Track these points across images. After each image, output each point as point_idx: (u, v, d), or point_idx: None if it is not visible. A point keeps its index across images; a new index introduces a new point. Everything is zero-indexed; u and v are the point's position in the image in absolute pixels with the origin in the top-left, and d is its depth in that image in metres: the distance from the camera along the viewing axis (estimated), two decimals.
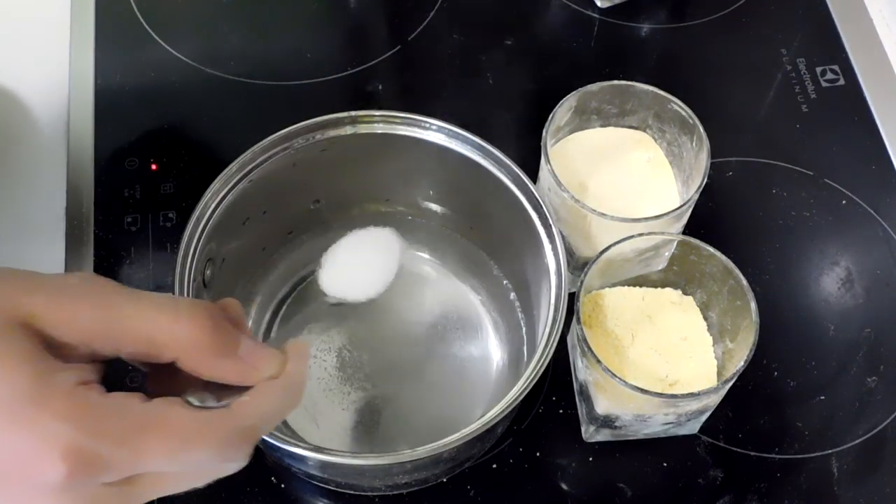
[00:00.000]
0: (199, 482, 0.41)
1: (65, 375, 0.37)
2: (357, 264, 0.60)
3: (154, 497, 0.39)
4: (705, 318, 0.61)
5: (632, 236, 0.58)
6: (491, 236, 0.65)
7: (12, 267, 0.39)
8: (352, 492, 0.61)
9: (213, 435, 0.38)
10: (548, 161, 0.60)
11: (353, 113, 0.60)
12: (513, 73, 0.78)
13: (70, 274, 0.39)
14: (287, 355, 0.42)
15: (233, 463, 0.40)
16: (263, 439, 0.51)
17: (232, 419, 0.39)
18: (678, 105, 0.62)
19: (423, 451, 0.51)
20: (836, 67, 0.78)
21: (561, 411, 0.64)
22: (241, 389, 0.41)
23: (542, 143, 0.61)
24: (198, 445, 0.38)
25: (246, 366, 0.41)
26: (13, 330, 0.37)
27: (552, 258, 0.57)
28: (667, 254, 0.60)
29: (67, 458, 0.36)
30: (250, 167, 0.59)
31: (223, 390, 0.41)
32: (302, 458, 0.56)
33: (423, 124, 0.61)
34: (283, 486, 0.61)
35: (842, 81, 0.77)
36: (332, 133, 0.61)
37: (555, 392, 0.64)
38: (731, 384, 0.56)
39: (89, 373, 0.38)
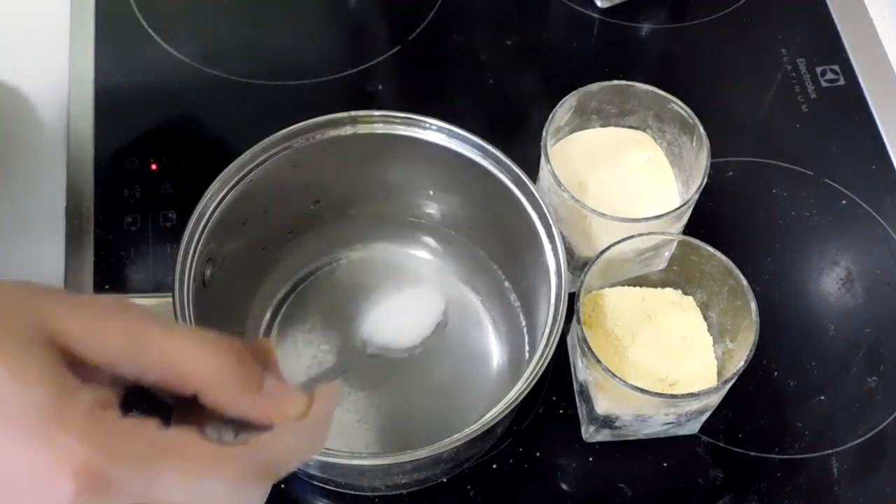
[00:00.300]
0: None
1: (85, 394, 0.37)
2: (401, 317, 0.60)
3: None
4: (705, 318, 0.61)
5: (632, 236, 0.58)
6: (491, 236, 0.65)
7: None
8: (352, 492, 0.61)
9: (231, 468, 0.38)
10: (548, 161, 0.60)
11: (353, 113, 0.60)
12: (513, 73, 0.78)
13: (101, 296, 0.39)
14: (314, 397, 0.42)
15: (248, 501, 0.39)
16: None
17: (251, 454, 0.39)
18: (678, 105, 0.62)
19: (423, 451, 0.51)
20: (836, 67, 0.78)
21: (561, 411, 0.64)
22: (262, 430, 0.40)
23: (542, 143, 0.61)
24: (213, 477, 0.38)
25: (269, 404, 0.40)
26: (38, 345, 0.37)
27: (552, 258, 0.57)
28: (667, 254, 0.60)
29: (79, 477, 0.35)
30: (250, 167, 0.59)
31: (244, 428, 0.40)
32: None
33: (423, 124, 0.61)
34: (282, 486, 0.61)
35: (842, 81, 0.77)
36: (332, 133, 0.61)
37: (555, 392, 0.64)
38: (731, 384, 0.56)
39: (110, 395, 0.38)
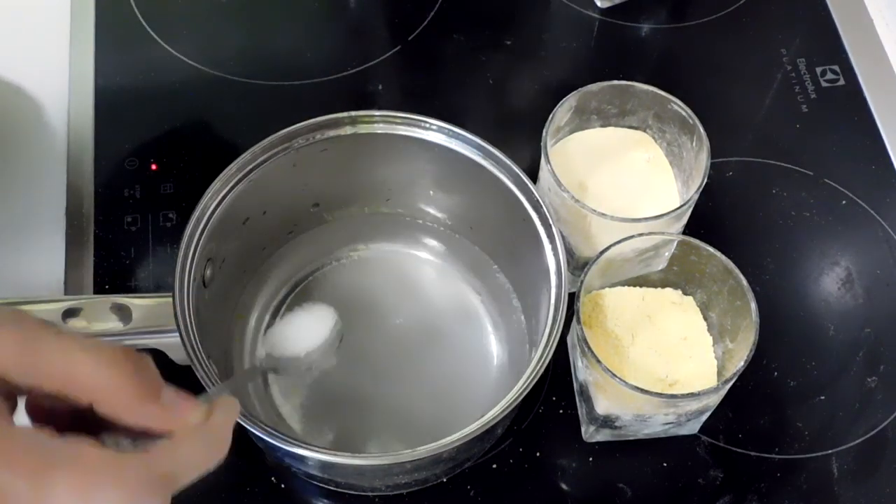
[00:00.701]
0: None
1: None
2: (290, 330, 0.60)
3: None
4: (705, 318, 0.61)
5: (632, 236, 0.58)
6: (491, 236, 0.65)
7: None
8: (352, 492, 0.61)
9: (128, 477, 0.37)
10: (548, 161, 0.60)
11: (353, 113, 0.60)
12: (513, 73, 0.78)
13: None
14: (213, 407, 0.41)
15: None
16: (263, 439, 0.51)
17: (148, 463, 0.38)
18: (678, 105, 0.62)
19: (423, 451, 0.51)
20: (836, 67, 0.78)
21: (561, 411, 0.64)
22: (158, 439, 0.40)
23: (542, 143, 0.61)
24: (110, 486, 0.37)
25: (166, 413, 0.40)
26: None
27: (552, 258, 0.57)
28: (667, 254, 0.60)
29: None
30: (250, 167, 0.59)
31: (142, 438, 0.40)
32: (302, 458, 0.56)
33: (423, 124, 0.61)
34: (283, 486, 0.61)
35: (842, 81, 0.77)
36: (332, 133, 0.61)
37: (555, 392, 0.64)
38: (731, 384, 0.56)
39: (0, 403, 0.37)
